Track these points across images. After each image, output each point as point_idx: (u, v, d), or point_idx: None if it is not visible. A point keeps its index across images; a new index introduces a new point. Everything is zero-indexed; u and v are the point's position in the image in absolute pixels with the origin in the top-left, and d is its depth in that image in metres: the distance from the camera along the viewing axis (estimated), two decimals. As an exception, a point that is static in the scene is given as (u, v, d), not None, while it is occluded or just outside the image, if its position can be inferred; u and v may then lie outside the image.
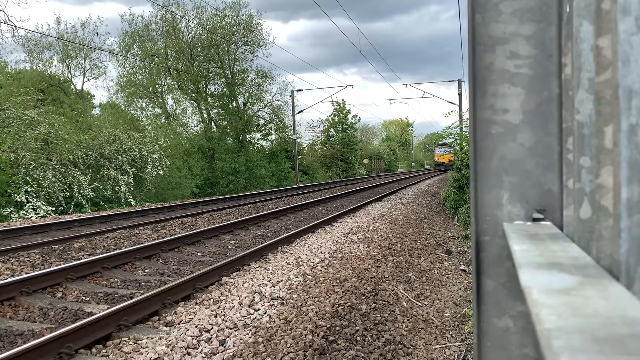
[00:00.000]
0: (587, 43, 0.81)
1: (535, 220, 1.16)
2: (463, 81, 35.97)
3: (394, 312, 5.05)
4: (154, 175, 22.41)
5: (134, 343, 4.21)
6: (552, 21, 1.12)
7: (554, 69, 1.13)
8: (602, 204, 0.76)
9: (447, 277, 6.96)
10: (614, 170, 0.70)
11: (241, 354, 3.83)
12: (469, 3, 1.18)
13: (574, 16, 0.87)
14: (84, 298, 5.85)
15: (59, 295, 5.93)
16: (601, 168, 0.76)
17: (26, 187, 17.51)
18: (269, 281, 6.04)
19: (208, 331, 4.36)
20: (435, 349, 4.30)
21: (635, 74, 0.63)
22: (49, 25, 42.45)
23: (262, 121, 39.18)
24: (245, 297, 5.31)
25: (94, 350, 4.14)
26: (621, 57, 0.64)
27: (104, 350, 4.13)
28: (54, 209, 17.88)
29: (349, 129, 51.99)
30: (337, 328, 4.41)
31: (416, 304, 5.48)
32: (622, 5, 0.64)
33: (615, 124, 0.68)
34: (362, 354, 3.93)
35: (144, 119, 32.47)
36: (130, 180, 21.11)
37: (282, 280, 6.07)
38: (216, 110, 35.91)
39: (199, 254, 8.58)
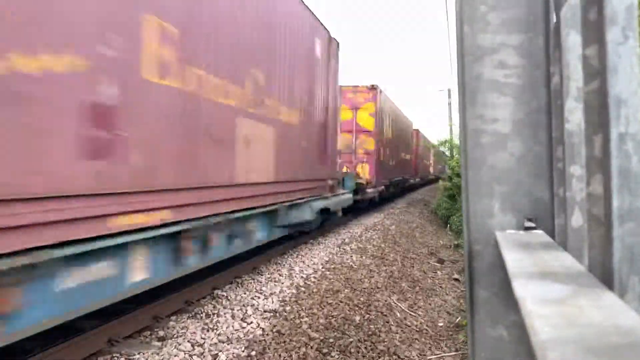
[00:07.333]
0: (574, 52, 0.82)
1: (527, 229, 1.16)
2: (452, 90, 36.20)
3: (388, 322, 5.03)
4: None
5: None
6: (539, 31, 1.13)
7: (543, 79, 1.13)
8: (593, 213, 0.76)
9: (440, 287, 6.95)
10: (604, 179, 0.70)
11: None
12: (457, 14, 1.19)
13: (561, 26, 0.88)
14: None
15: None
16: (591, 177, 0.76)
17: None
18: (262, 294, 6.00)
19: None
20: (430, 359, 4.28)
21: (624, 83, 0.63)
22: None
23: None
24: (237, 310, 5.27)
25: None
26: (609, 67, 0.64)
27: None
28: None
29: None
30: (331, 340, 4.38)
31: (410, 314, 5.46)
32: (609, 16, 0.64)
33: (604, 132, 0.68)
34: (356, 366, 3.90)
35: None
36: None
37: (275, 292, 6.04)
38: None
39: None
